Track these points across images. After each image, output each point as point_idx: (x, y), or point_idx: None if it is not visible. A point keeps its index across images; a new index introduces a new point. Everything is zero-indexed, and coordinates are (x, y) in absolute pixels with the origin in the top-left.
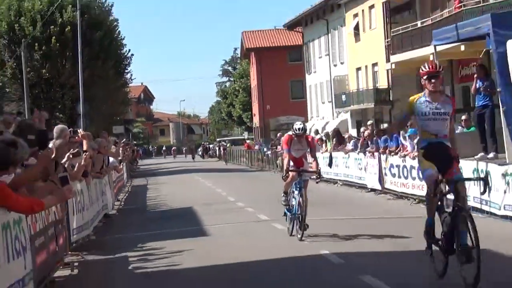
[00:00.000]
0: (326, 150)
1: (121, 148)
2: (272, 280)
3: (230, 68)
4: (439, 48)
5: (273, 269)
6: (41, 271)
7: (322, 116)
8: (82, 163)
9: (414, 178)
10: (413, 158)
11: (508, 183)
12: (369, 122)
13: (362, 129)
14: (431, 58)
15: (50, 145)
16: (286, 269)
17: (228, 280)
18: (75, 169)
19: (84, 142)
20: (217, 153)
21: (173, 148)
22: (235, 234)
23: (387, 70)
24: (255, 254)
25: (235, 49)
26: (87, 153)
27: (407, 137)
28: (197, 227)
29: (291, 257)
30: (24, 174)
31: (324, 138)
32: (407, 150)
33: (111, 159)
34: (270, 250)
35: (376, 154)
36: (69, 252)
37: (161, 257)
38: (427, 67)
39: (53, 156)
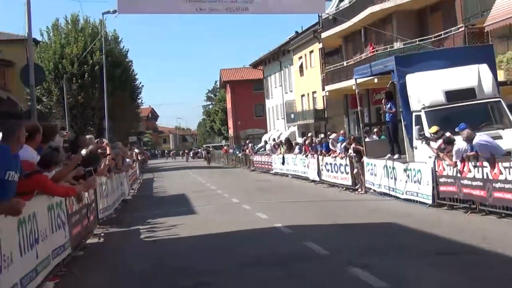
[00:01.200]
0: (280, 153)
1: (134, 153)
2: (238, 245)
3: (212, 95)
4: (359, 81)
5: (240, 237)
6: (76, 240)
7: (277, 128)
8: (106, 162)
9: (342, 172)
10: (341, 158)
11: (408, 176)
12: (309, 134)
13: (303, 139)
14: (353, 87)
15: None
16: (250, 237)
17: (210, 244)
18: (101, 167)
19: (108, 148)
20: (204, 155)
21: (172, 151)
22: (215, 212)
23: (323, 96)
24: (229, 227)
25: (216, 81)
26: (109, 156)
27: (335, 143)
28: (188, 208)
29: (254, 229)
30: (61, 171)
31: (278, 144)
32: (336, 153)
33: (127, 160)
34: (240, 224)
35: (315, 155)
36: (97, 226)
37: (163, 229)
38: None
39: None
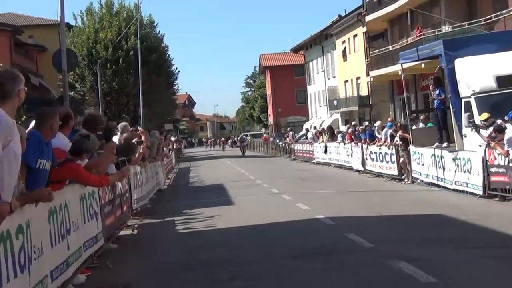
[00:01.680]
0: (322, 141)
1: (170, 141)
2: (278, 236)
3: (251, 81)
4: (405, 65)
5: (280, 228)
6: (109, 231)
7: (319, 116)
8: (141, 151)
9: (387, 162)
10: (387, 147)
11: (457, 165)
12: (353, 122)
13: (346, 127)
14: (399, 73)
15: (115, 139)
16: (290, 228)
17: (248, 236)
18: (136, 156)
19: (143, 136)
20: (238, 144)
21: (210, 140)
22: (254, 203)
23: (367, 82)
24: (268, 218)
25: (255, 67)
26: (144, 143)
27: (380, 131)
28: (226, 198)
29: (294, 220)
30: (95, 159)
31: (320, 132)
32: (381, 141)
33: (163, 148)
34: (279, 215)
35: (359, 144)
36: (131, 217)
37: (199, 220)
38: None
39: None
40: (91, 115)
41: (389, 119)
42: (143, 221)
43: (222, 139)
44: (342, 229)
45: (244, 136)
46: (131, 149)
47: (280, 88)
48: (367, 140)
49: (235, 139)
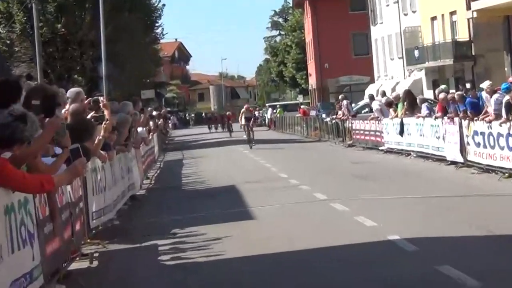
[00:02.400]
0: (396, 116)
1: (148, 117)
2: (327, 270)
3: (280, 19)
4: None
5: (332, 259)
6: (52, 263)
7: (390, 75)
8: (102, 134)
9: (502, 148)
10: (503, 123)
11: None
12: (442, 86)
13: (437, 90)
14: None
15: (63, 111)
16: (347, 257)
17: (276, 271)
18: (95, 141)
19: (105, 110)
20: (267, 121)
21: (215, 114)
22: (286, 216)
23: (468, 20)
24: (310, 241)
25: None
26: (107, 122)
27: (491, 99)
28: (241, 209)
29: (353, 244)
30: (29, 147)
31: (393, 101)
32: (492, 114)
33: (138, 128)
34: (328, 235)
35: (456, 119)
36: (88, 241)
37: (197, 245)
38: None
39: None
40: (41, 87)
41: (510, 79)
42: (107, 247)
43: (227, 113)
44: (431, 259)
45: (249, 109)
46: (86, 130)
47: (328, 31)
48: (469, 112)
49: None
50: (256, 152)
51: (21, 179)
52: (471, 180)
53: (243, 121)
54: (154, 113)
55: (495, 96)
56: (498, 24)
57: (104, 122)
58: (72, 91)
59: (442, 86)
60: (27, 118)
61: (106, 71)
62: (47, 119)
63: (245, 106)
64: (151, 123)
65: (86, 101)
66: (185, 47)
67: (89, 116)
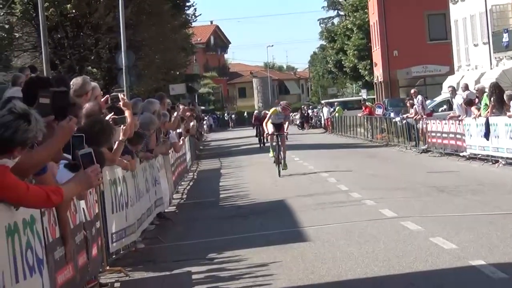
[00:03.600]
0: (480, 115)
1: (179, 118)
2: None
3: None
4: None
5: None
6: None
7: (474, 64)
8: (121, 137)
9: None
10: None
11: None
12: None
13: None
14: None
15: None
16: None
17: None
18: (115, 147)
19: (126, 110)
20: (323, 121)
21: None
22: (348, 238)
23: None
24: (377, 266)
25: None
26: (129, 123)
27: None
28: (292, 229)
29: (430, 271)
30: (35, 153)
31: (477, 96)
32: None
33: (170, 133)
34: (399, 260)
35: None
36: (107, 268)
37: (239, 273)
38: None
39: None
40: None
41: None
42: (130, 275)
43: (264, 111)
44: None
45: (283, 108)
46: (103, 132)
47: (397, 11)
48: None
49: (307, 111)
50: (309, 159)
51: (24, 191)
52: None
53: (270, 129)
54: (187, 113)
55: None
56: None
57: (125, 123)
58: (77, 81)
59: None
60: (30, 117)
61: (127, 62)
62: (57, 122)
63: (280, 104)
64: (182, 126)
65: (103, 99)
66: (223, 32)
67: (108, 118)
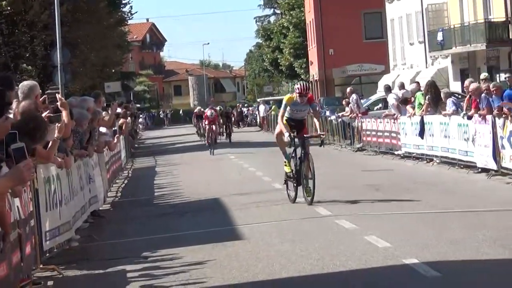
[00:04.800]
0: (414, 113)
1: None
2: None
3: None
4: None
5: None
6: None
7: (410, 63)
8: (56, 135)
9: None
10: None
11: None
12: (482, 76)
13: (467, 82)
14: None
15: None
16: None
17: None
18: (50, 144)
19: (63, 110)
20: (259, 119)
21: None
22: (282, 236)
23: None
24: (311, 265)
25: None
26: (65, 121)
27: None
28: (227, 227)
29: (364, 269)
30: None
31: (412, 95)
32: None
33: (102, 129)
34: (334, 259)
35: (489, 117)
36: (41, 266)
37: (173, 271)
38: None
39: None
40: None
41: None
42: (64, 273)
43: (205, 110)
44: (455, 287)
45: (219, 108)
46: (38, 129)
47: (333, 9)
48: (508, 109)
49: (243, 109)
50: (245, 158)
51: None
52: (506, 192)
53: (286, 129)
54: (120, 110)
55: None
56: None
57: (60, 121)
58: (25, 84)
59: (483, 75)
60: None
61: (62, 59)
62: None
63: (296, 87)
64: (117, 124)
65: (41, 98)
66: (159, 30)
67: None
